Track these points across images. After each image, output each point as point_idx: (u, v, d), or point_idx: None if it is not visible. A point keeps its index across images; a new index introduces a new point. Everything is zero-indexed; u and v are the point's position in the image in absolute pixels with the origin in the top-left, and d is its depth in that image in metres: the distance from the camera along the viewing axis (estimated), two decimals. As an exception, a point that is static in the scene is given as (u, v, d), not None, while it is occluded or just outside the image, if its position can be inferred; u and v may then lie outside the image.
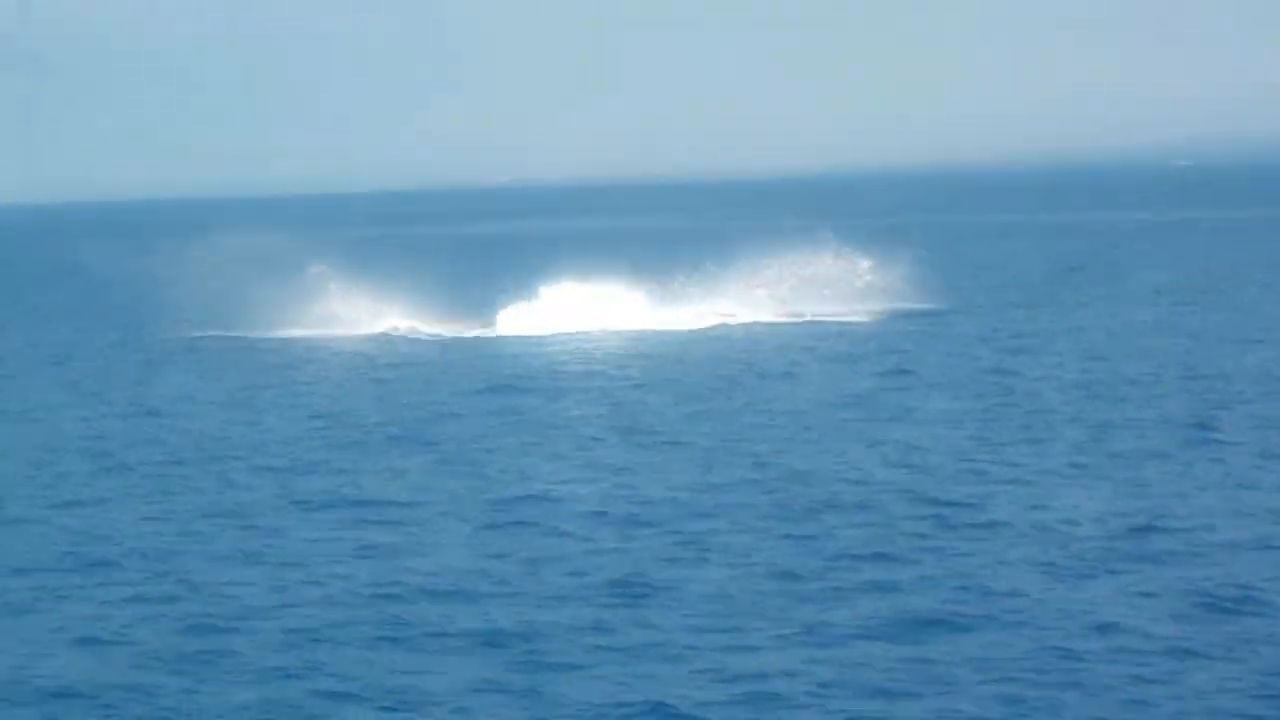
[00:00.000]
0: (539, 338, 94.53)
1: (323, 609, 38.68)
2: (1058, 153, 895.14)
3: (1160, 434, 57.90)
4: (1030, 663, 33.44)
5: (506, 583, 40.55)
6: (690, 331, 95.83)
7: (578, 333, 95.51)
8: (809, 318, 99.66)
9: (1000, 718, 30.81)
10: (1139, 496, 47.92)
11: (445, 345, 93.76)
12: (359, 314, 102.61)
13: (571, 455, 57.48)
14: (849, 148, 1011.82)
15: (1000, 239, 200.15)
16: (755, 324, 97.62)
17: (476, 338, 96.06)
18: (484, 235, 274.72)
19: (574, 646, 35.42)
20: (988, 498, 48.29)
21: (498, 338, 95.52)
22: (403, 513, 48.88)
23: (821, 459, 55.06)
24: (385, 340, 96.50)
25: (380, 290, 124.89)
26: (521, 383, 76.58)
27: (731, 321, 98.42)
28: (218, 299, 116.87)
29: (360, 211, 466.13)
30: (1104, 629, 35.43)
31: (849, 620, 36.53)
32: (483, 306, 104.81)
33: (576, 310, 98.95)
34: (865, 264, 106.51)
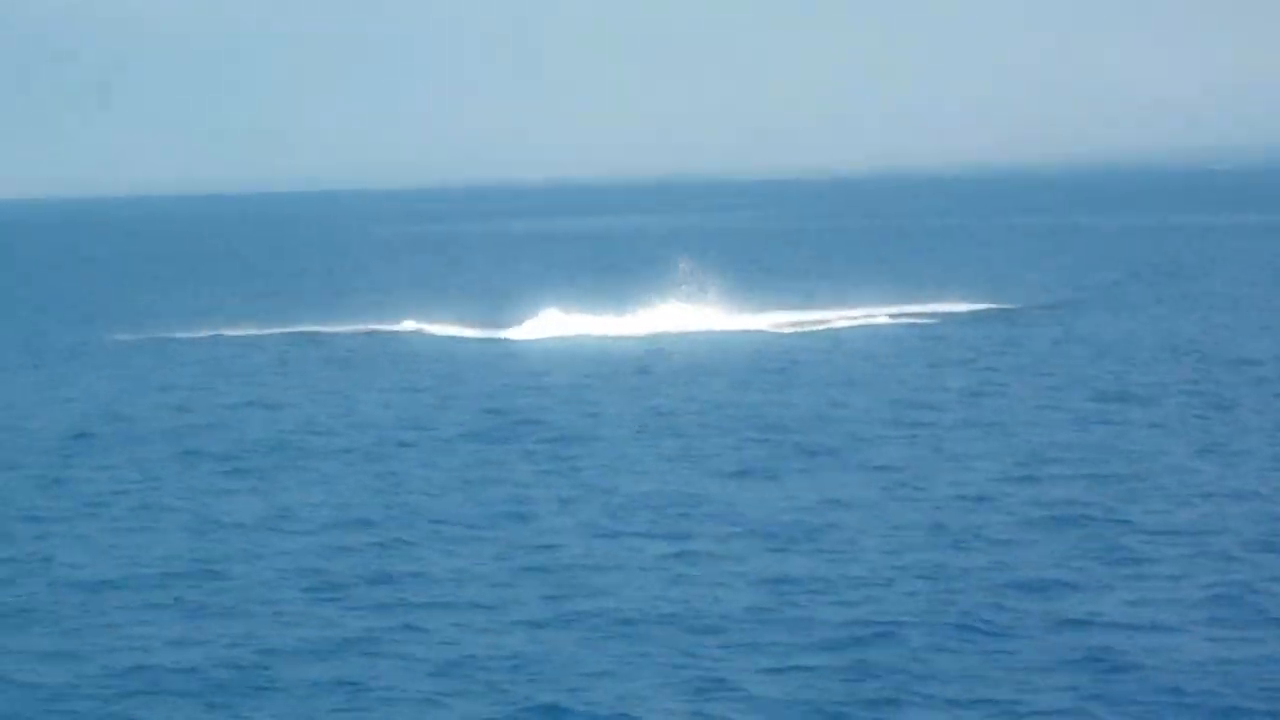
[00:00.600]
0: (596, 338, 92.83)
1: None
2: (1084, 156, 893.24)
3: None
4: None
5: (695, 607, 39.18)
6: (782, 335, 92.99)
7: (649, 335, 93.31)
8: (903, 320, 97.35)
9: None
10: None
11: (486, 345, 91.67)
12: (381, 311, 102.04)
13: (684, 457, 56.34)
14: (889, 148, 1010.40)
15: (1063, 241, 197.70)
16: (833, 327, 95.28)
17: (512, 340, 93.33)
18: (522, 233, 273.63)
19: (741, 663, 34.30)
20: (1130, 497, 47.32)
21: (535, 340, 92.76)
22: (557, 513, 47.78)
23: (954, 463, 53.81)
24: (419, 339, 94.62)
25: (401, 287, 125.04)
26: (606, 384, 75.16)
27: (821, 327, 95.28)
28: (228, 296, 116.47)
29: (390, 208, 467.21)
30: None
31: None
32: (515, 308, 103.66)
33: (652, 315, 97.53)
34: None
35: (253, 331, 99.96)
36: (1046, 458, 53.89)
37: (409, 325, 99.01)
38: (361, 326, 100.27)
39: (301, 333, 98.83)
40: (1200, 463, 52.79)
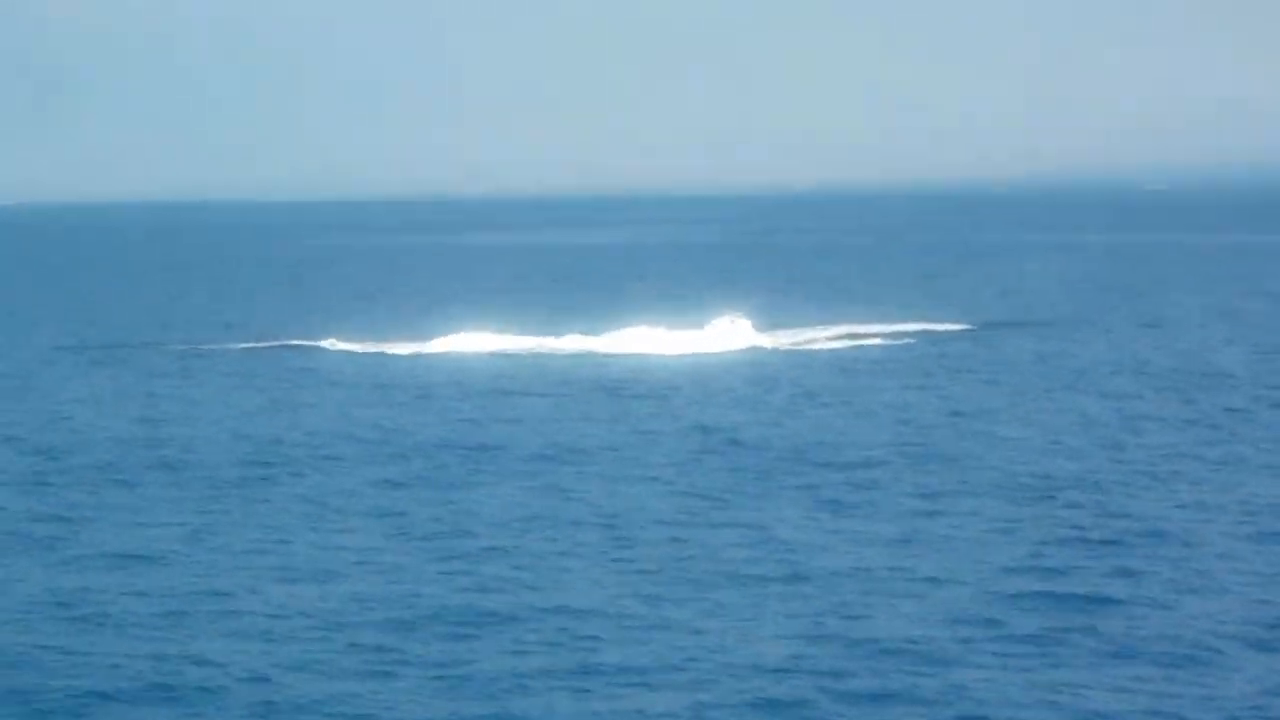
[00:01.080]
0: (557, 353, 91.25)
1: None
2: (1018, 174, 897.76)
3: None
4: None
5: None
6: (766, 353, 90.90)
7: (622, 354, 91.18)
8: (881, 339, 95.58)
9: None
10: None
11: (394, 360, 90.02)
12: (297, 327, 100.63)
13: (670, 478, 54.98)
14: (861, 166, 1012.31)
15: (1026, 258, 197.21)
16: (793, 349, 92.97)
17: (421, 354, 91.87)
18: (474, 246, 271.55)
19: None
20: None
21: (445, 354, 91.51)
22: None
23: (966, 489, 52.66)
24: (342, 355, 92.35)
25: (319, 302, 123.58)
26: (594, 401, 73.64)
27: (803, 346, 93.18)
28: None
29: (337, 220, 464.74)
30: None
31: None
32: (428, 322, 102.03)
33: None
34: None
35: (223, 345, 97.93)
36: (1054, 484, 52.71)
37: (331, 342, 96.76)
38: (281, 342, 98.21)
39: (284, 346, 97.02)
40: (1209, 486, 52.16)
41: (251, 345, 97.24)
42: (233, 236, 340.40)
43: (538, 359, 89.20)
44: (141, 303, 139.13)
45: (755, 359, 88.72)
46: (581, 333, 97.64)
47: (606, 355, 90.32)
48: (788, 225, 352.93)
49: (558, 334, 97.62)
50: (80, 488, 54.31)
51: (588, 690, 33.43)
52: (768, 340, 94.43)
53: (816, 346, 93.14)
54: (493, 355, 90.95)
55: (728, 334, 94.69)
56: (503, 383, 79.43)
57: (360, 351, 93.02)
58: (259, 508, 50.87)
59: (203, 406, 72.89)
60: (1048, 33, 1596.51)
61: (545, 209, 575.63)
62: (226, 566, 43.48)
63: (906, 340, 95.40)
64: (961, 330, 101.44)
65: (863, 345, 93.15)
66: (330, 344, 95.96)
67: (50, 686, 33.92)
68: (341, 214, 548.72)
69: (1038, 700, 32.30)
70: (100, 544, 46.13)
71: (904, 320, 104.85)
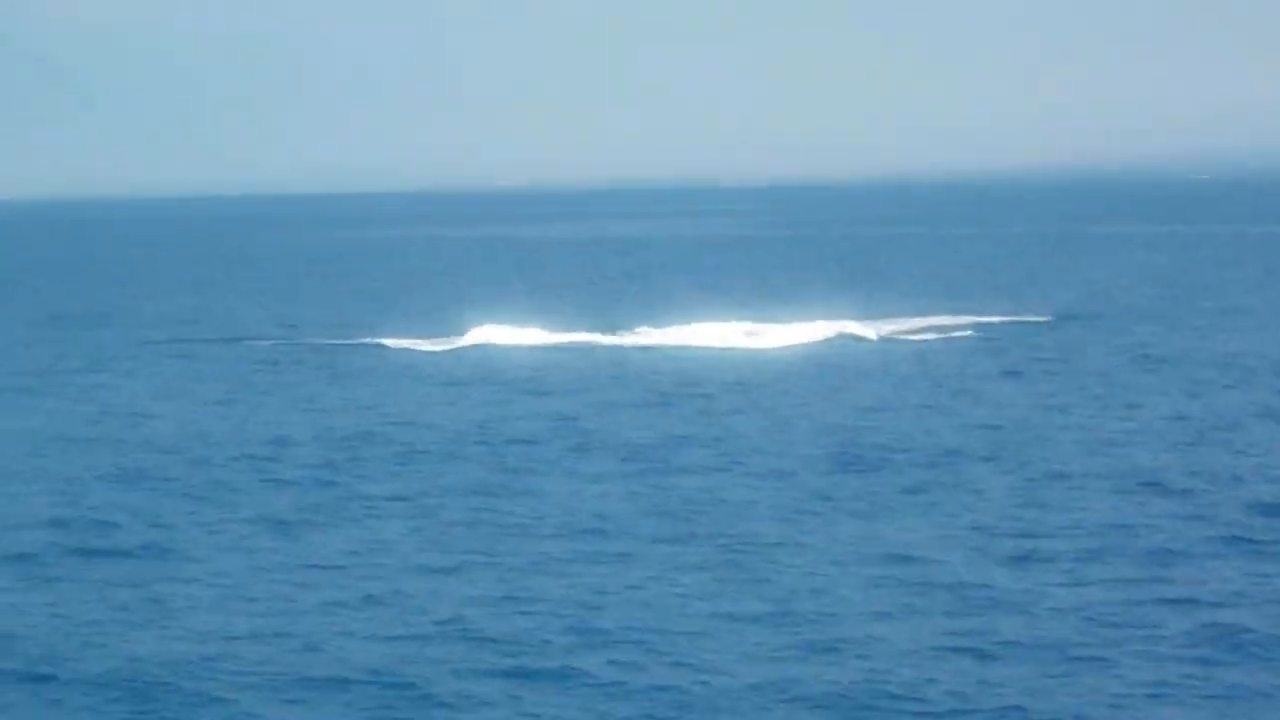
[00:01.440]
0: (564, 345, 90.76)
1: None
2: (1058, 164, 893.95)
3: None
4: None
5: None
6: (829, 346, 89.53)
7: (646, 346, 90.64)
8: (944, 332, 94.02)
9: None
10: None
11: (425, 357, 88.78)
12: (356, 323, 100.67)
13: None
14: (855, 156, 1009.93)
15: (1076, 249, 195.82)
16: (864, 340, 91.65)
17: (487, 347, 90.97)
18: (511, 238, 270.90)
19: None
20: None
21: (513, 348, 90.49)
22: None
23: (1063, 486, 51.53)
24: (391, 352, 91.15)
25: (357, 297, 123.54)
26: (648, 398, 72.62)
27: (861, 339, 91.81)
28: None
29: (375, 212, 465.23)
30: None
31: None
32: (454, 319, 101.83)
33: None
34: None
35: (295, 341, 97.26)
36: (1166, 479, 51.49)
37: (393, 338, 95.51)
38: (345, 339, 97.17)
39: (349, 343, 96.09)
40: None
41: (323, 342, 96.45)
42: (252, 230, 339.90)
43: (613, 352, 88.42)
44: (198, 298, 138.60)
45: (842, 351, 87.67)
46: (650, 325, 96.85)
47: (681, 348, 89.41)
48: (818, 218, 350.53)
49: (627, 328, 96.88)
50: (178, 487, 53.61)
51: (721, 707, 32.34)
52: (863, 331, 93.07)
53: (904, 338, 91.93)
54: (562, 349, 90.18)
55: (809, 327, 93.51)
56: (582, 379, 78.53)
57: (425, 348, 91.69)
58: (355, 506, 50.09)
59: (292, 404, 72.21)
60: (1048, 32, 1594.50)
61: (553, 201, 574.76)
62: (335, 567, 42.69)
63: (993, 332, 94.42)
64: (1044, 322, 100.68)
65: (950, 337, 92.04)
66: (392, 340, 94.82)
67: (174, 686, 33.47)
68: (352, 207, 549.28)
69: (1214, 711, 31.39)
70: (205, 545, 45.45)
71: (987, 313, 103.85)
